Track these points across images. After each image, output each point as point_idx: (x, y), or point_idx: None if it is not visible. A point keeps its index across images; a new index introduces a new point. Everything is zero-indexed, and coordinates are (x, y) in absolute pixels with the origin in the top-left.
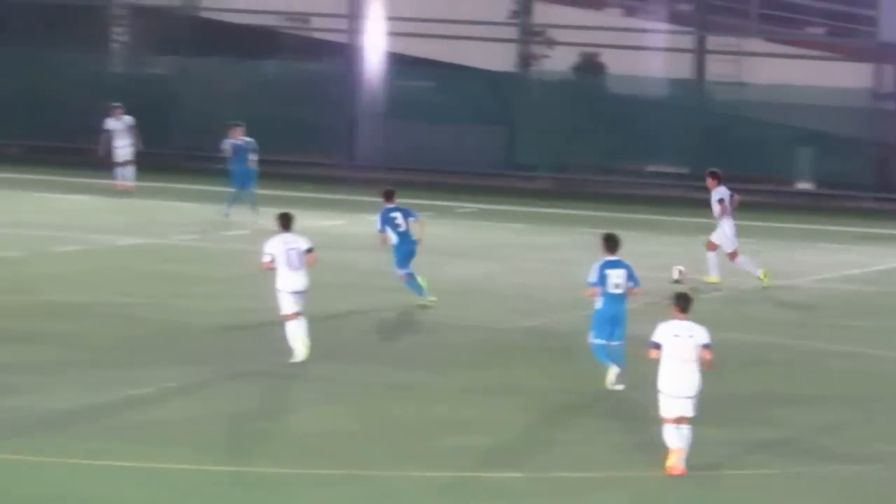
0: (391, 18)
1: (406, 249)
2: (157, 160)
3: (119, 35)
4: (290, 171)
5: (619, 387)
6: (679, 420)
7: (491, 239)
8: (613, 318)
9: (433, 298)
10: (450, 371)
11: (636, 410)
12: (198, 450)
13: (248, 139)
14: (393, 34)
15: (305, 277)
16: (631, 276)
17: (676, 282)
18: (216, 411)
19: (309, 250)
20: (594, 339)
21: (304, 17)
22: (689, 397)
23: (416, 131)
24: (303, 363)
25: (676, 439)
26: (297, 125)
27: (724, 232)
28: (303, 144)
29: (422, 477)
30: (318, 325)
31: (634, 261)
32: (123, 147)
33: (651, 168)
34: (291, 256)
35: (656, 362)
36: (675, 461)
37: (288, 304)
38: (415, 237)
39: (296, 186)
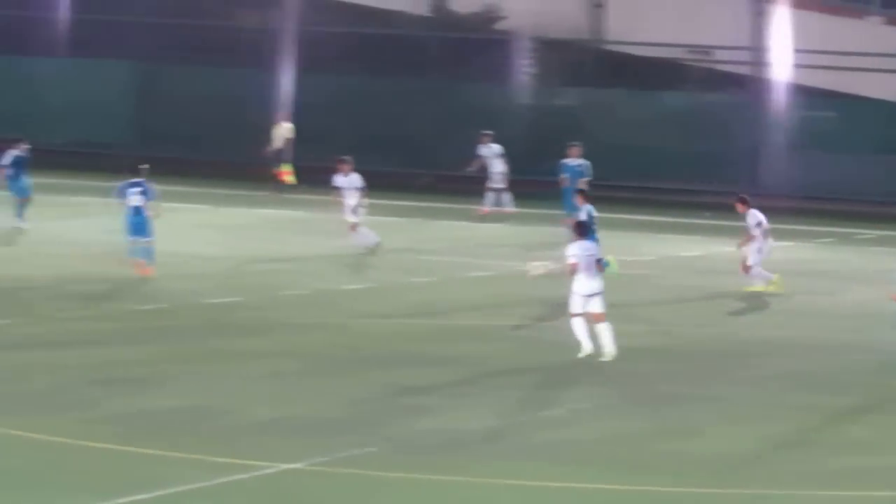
0: (794, 51)
1: None
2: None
3: (527, 67)
4: (692, 199)
5: None
6: None
7: (890, 265)
8: None
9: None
10: (848, 391)
11: None
12: (606, 469)
13: (583, 161)
14: (795, 66)
15: (598, 282)
16: None
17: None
18: (623, 431)
19: (598, 260)
20: None
21: (707, 49)
22: None
23: (817, 160)
24: (713, 385)
25: None
26: (700, 155)
27: (759, 248)
28: (705, 173)
29: (824, 496)
30: (727, 352)
31: None
32: (495, 174)
33: None
34: (589, 262)
35: None
36: None
37: (578, 305)
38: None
39: (696, 213)
